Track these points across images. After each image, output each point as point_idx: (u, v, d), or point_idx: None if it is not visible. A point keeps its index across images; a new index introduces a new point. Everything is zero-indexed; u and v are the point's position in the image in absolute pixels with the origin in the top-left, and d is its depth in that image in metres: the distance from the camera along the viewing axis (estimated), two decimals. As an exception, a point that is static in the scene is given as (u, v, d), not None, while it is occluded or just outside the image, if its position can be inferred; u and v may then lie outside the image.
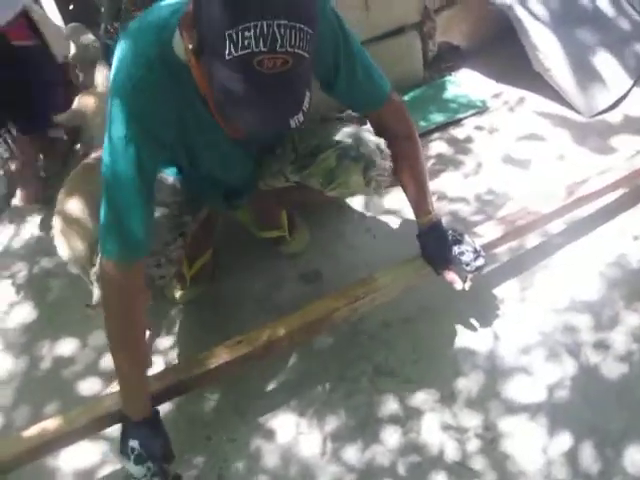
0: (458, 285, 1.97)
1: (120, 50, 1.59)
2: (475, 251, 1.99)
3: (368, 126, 2.06)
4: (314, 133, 2.05)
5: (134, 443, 1.73)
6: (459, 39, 3.40)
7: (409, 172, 2.03)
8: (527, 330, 2.07)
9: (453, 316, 2.17)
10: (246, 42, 1.28)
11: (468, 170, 2.72)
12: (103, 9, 3.41)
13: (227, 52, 1.30)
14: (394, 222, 2.58)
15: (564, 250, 2.29)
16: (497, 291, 2.21)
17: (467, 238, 2.02)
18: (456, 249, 1.99)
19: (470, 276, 1.98)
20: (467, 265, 1.98)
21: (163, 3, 1.64)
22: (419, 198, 2.03)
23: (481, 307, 2.17)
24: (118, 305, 1.73)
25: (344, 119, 2.13)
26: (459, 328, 2.13)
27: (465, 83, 3.25)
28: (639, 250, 2.24)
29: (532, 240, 2.33)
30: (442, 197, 2.62)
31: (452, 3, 3.25)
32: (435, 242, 2.02)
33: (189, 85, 1.60)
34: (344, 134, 2.03)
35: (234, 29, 1.27)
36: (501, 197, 2.55)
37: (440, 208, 2.52)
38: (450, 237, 2.00)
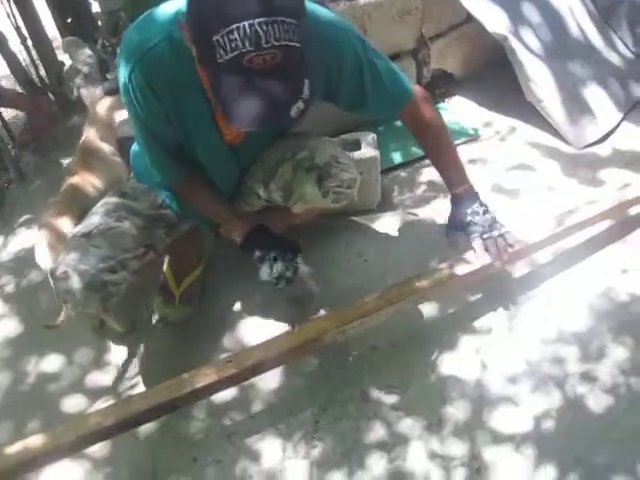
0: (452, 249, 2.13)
1: (131, 30, 1.72)
2: (488, 224, 2.03)
3: (330, 138, 2.14)
4: (279, 148, 2.10)
5: (258, 254, 1.94)
6: (453, 66, 3.43)
7: (443, 156, 2.10)
8: (514, 360, 2.07)
9: (441, 343, 2.17)
10: (233, 44, 1.37)
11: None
12: (100, 23, 3.44)
13: (219, 57, 1.40)
14: (385, 246, 2.58)
15: (552, 280, 2.30)
16: (485, 320, 2.21)
17: (487, 213, 2.05)
18: (469, 217, 2.03)
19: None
20: (472, 234, 2.04)
21: (164, 6, 1.71)
22: (453, 174, 2.09)
23: (469, 335, 2.17)
24: (194, 193, 2.05)
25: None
26: (447, 355, 2.13)
27: (458, 110, 3.29)
28: (627, 283, 2.24)
29: (520, 269, 2.34)
30: (433, 223, 2.63)
31: (448, 31, 3.27)
32: (456, 209, 2.09)
33: (194, 76, 1.68)
34: (302, 146, 2.08)
35: (219, 34, 1.37)
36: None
37: (430, 235, 2.55)
38: (472, 208, 2.04)
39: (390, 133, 3.11)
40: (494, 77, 3.32)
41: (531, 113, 3.02)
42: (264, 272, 1.90)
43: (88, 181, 2.56)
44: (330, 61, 1.78)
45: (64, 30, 3.73)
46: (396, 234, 2.61)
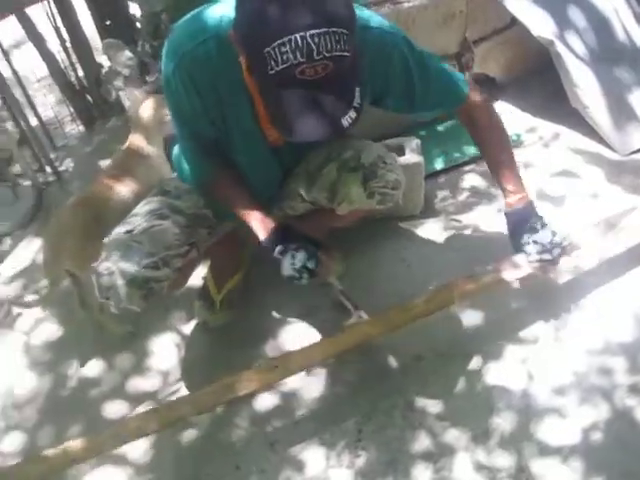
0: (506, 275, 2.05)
1: (177, 28, 1.73)
2: (546, 245, 1.99)
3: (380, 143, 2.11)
4: (323, 149, 2.08)
5: (279, 248, 1.88)
6: (496, 71, 3.37)
7: (496, 157, 2.08)
8: (561, 371, 2.04)
9: (486, 352, 2.14)
10: (284, 57, 1.38)
11: (502, 204, 2.66)
12: (140, 26, 3.44)
13: (269, 68, 1.41)
14: (429, 252, 2.56)
15: (598, 289, 2.26)
16: (531, 330, 2.18)
17: (547, 229, 2.01)
18: (526, 237, 2.01)
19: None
20: (529, 255, 2.01)
21: (210, 8, 1.72)
22: (505, 179, 2.07)
23: (515, 345, 2.14)
24: (222, 191, 1.99)
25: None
26: (492, 365, 2.10)
27: (501, 116, 3.21)
28: (675, 293, 2.19)
29: (565, 276, 2.26)
30: (476, 230, 2.60)
31: (492, 35, 3.23)
32: (512, 226, 2.08)
33: (239, 77, 1.68)
34: (347, 146, 2.06)
35: (271, 47, 1.38)
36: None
37: (474, 241, 2.53)
38: (529, 224, 2.02)
39: (432, 139, 3.07)
40: (537, 83, 3.28)
41: (575, 119, 2.97)
42: (286, 265, 1.86)
43: (118, 186, 2.54)
44: (378, 66, 1.78)
45: (103, 32, 3.75)
46: (439, 241, 2.58)
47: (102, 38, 3.69)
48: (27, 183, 3.58)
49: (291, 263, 1.84)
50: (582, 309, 2.22)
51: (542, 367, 2.06)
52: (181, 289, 2.29)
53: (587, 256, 2.17)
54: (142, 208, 2.07)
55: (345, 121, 1.47)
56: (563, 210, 2.62)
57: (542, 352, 2.11)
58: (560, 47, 2.81)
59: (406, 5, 2.77)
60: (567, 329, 2.16)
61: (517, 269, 2.04)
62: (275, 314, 2.44)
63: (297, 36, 1.36)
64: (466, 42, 3.07)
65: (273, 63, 1.40)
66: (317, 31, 1.36)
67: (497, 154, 2.07)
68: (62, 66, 3.84)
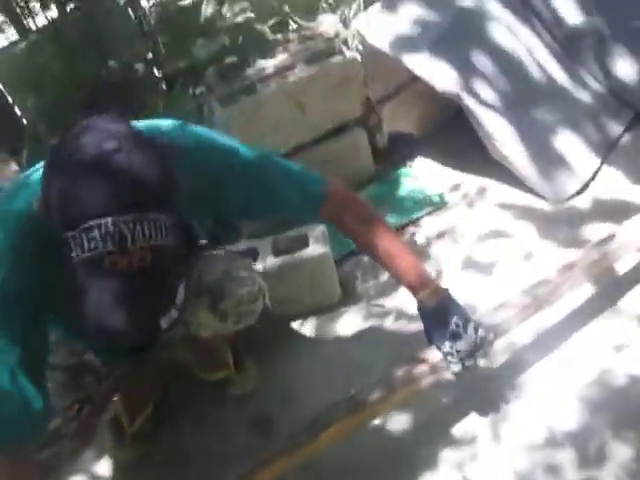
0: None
1: None
2: (470, 351, 1.74)
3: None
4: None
5: None
6: (411, 126, 3.21)
7: (384, 254, 1.81)
8: (502, 473, 1.81)
9: (419, 461, 1.91)
10: (92, 243, 1.17)
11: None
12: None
13: (74, 253, 1.19)
14: (349, 347, 2.36)
15: (536, 368, 2.04)
16: (466, 428, 1.95)
17: (469, 331, 1.75)
18: (448, 346, 1.75)
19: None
20: (451, 364, 1.77)
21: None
22: (404, 274, 1.81)
23: (449, 448, 1.92)
24: None
25: None
26: (427, 475, 1.87)
27: (421, 174, 3.08)
28: (624, 362, 1.98)
29: (498, 357, 2.08)
30: (400, 315, 2.39)
31: (397, 92, 3.07)
32: (428, 329, 1.81)
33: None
34: (192, 266, 1.86)
35: (75, 230, 1.17)
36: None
37: (397, 331, 2.32)
38: (449, 328, 1.74)
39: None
40: (458, 131, 3.01)
41: (501, 170, 2.77)
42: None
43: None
44: (206, 190, 1.59)
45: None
46: (360, 333, 2.39)
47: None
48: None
49: None
50: (521, 396, 1.99)
51: (481, 471, 1.83)
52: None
53: (521, 329, 1.98)
54: None
55: (164, 322, 1.31)
56: (494, 278, 2.42)
57: (480, 453, 1.88)
58: (468, 99, 2.63)
59: (291, 79, 2.60)
60: (506, 422, 1.93)
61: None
62: (187, 442, 2.24)
63: (108, 221, 1.15)
64: (369, 103, 2.90)
65: (78, 249, 1.18)
66: (133, 216, 1.17)
67: (385, 247, 1.80)
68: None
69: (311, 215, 1.80)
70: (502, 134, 2.66)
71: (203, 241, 1.48)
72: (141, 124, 1.55)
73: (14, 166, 3.06)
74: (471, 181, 2.95)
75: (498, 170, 2.78)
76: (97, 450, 2.30)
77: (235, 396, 2.30)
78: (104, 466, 2.27)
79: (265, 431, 2.16)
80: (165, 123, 1.61)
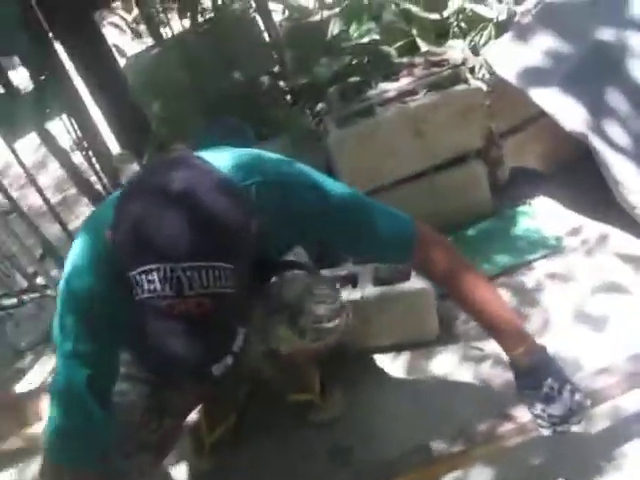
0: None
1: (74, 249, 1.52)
2: (564, 417, 1.61)
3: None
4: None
5: None
6: (534, 163, 3.04)
7: (476, 303, 1.70)
8: None
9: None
10: (151, 286, 1.18)
11: (534, 327, 2.32)
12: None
13: (135, 293, 1.21)
14: (442, 389, 2.25)
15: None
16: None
17: (565, 395, 1.61)
18: (539, 409, 1.63)
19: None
20: (542, 428, 1.65)
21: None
22: (497, 327, 1.70)
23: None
24: None
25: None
26: None
27: (540, 214, 2.89)
28: None
29: (598, 423, 1.90)
30: (498, 361, 2.24)
31: (524, 125, 2.92)
32: (520, 388, 1.70)
33: None
34: (271, 283, 1.88)
35: (136, 271, 1.19)
36: (570, 365, 2.04)
37: (494, 376, 2.20)
38: (543, 390, 1.62)
39: (459, 246, 2.72)
40: (584, 172, 2.81)
41: (626, 217, 2.56)
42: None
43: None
44: (287, 225, 1.57)
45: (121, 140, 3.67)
46: (456, 375, 2.28)
47: (122, 147, 3.60)
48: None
49: None
50: (621, 468, 1.79)
51: None
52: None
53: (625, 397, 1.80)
54: None
55: (217, 369, 1.31)
56: (603, 336, 2.22)
57: None
58: (596, 140, 2.44)
59: (412, 105, 2.51)
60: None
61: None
62: (264, 460, 2.23)
63: (167, 266, 1.16)
64: (492, 135, 2.77)
65: (139, 289, 1.20)
66: (190, 264, 1.16)
67: (477, 297, 1.69)
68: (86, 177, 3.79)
69: (403, 254, 1.70)
70: (632, 181, 2.46)
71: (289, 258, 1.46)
72: (246, 152, 1.57)
73: (135, 166, 3.12)
74: (592, 226, 2.75)
75: (623, 217, 2.58)
76: (176, 455, 2.29)
77: (317, 421, 2.26)
78: (182, 472, 2.29)
79: (342, 461, 2.12)
80: (269, 156, 1.61)
